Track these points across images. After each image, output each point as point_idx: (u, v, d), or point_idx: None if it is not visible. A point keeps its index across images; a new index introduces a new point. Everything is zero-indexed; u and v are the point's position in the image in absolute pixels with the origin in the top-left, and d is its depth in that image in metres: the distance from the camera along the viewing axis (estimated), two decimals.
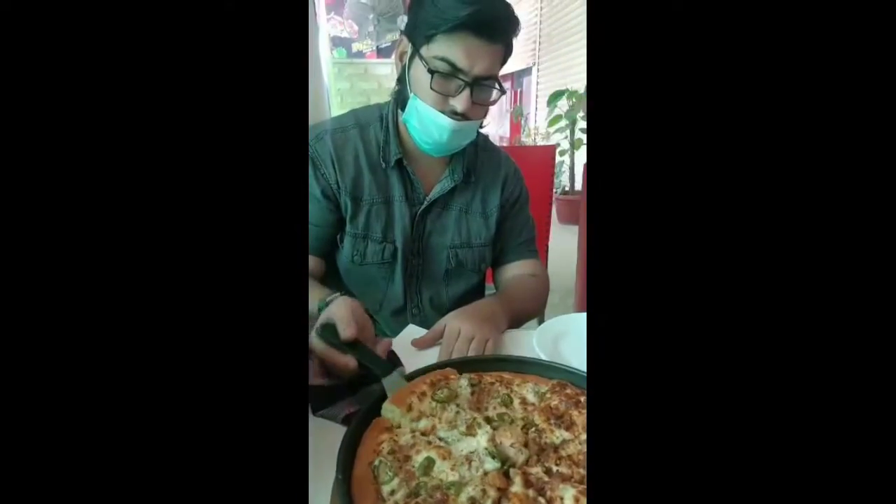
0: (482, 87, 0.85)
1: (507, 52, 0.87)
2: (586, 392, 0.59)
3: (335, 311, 0.70)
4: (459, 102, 0.84)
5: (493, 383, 0.65)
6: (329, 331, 0.68)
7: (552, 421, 0.57)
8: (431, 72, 0.82)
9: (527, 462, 0.52)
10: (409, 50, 0.87)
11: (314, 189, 0.94)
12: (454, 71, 0.82)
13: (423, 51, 0.83)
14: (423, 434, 0.55)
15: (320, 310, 0.75)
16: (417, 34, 0.84)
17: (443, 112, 0.85)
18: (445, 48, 0.80)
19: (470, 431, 0.55)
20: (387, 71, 6.10)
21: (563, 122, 4.75)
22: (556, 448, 0.53)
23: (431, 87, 0.83)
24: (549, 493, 0.47)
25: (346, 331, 0.67)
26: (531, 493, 0.47)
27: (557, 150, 2.45)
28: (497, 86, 0.87)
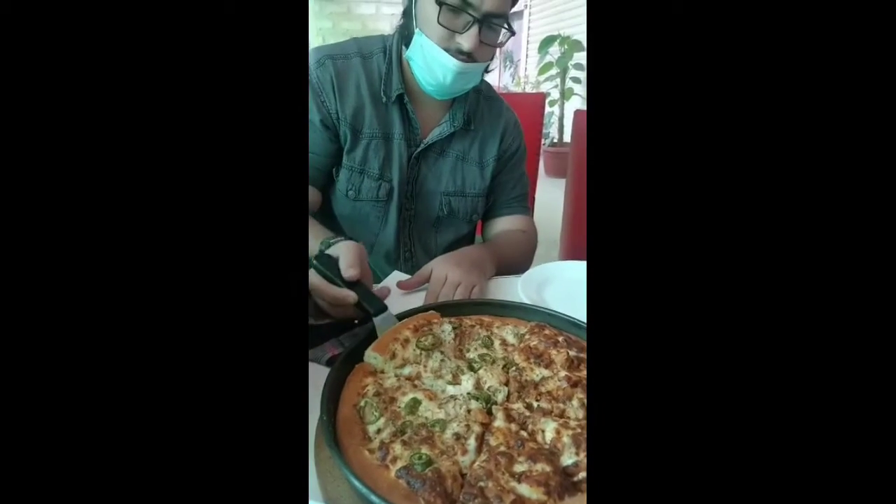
0: (491, 25, 0.80)
1: None
2: (587, 352, 0.60)
3: (343, 249, 0.69)
4: (466, 40, 0.79)
5: (473, 326, 0.66)
6: (328, 263, 0.67)
7: (532, 360, 0.58)
8: (440, 3, 0.76)
9: (507, 399, 0.54)
10: None
11: (313, 116, 0.90)
12: (463, 4, 0.77)
13: None
14: (409, 379, 0.56)
15: (321, 251, 0.73)
16: None
17: (448, 50, 0.81)
18: None
19: (455, 380, 0.56)
20: (371, 10, 5.75)
21: (554, 70, 4.60)
22: (535, 385, 0.55)
23: (438, 21, 0.78)
24: (530, 426, 0.49)
25: (349, 270, 0.65)
26: (513, 426, 0.48)
27: (547, 100, 2.38)
28: (506, 25, 0.82)
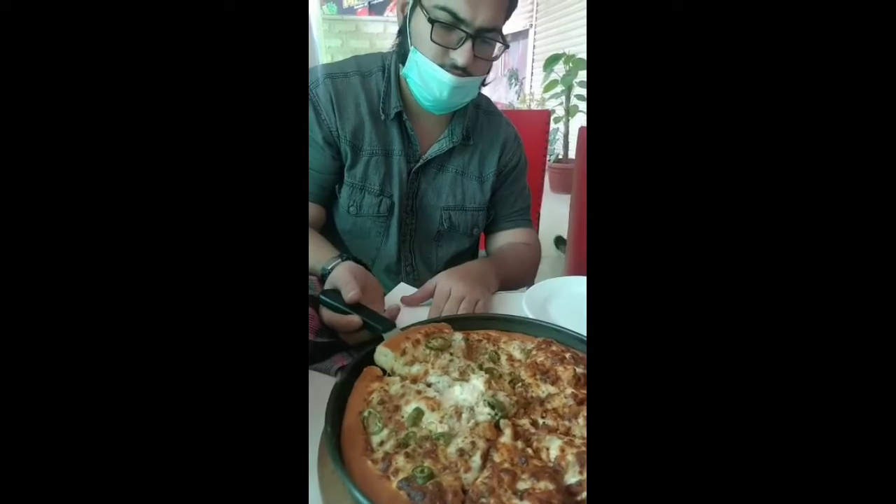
0: (485, 40, 0.82)
1: (512, 3, 0.84)
2: (587, 366, 0.60)
3: (338, 275, 0.71)
4: (460, 56, 0.81)
5: (480, 340, 0.66)
6: (333, 296, 0.69)
7: (538, 376, 0.58)
8: (432, 21, 0.79)
9: (514, 414, 0.53)
10: (411, 0, 0.84)
11: (315, 134, 0.92)
12: (455, 21, 0.78)
13: (425, 0, 0.80)
14: (414, 381, 0.56)
15: (323, 276, 0.75)
16: None
17: (443, 66, 0.83)
18: None
19: (463, 377, 0.56)
20: (379, 29, 5.88)
21: (559, 88, 4.65)
22: (541, 402, 0.54)
23: (432, 39, 0.80)
24: (535, 443, 0.48)
25: (349, 294, 0.68)
26: (519, 444, 0.48)
27: (552, 117, 2.41)
28: (500, 39, 0.84)
